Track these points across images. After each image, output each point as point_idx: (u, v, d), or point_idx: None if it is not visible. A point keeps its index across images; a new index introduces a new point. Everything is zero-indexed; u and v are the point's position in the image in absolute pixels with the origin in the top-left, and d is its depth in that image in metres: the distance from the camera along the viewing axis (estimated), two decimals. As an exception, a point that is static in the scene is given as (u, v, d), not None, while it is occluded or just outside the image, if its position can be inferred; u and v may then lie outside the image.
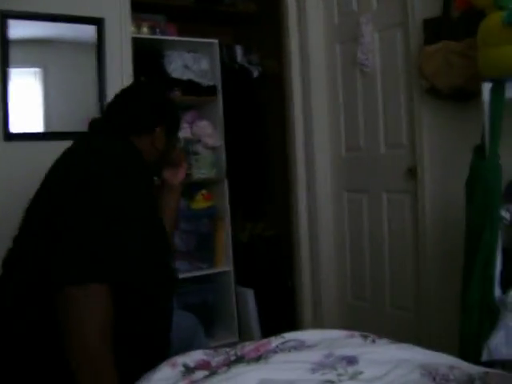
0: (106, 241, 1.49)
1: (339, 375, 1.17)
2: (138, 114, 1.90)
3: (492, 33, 2.09)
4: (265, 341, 1.37)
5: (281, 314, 3.99)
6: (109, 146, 1.74)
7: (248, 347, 1.33)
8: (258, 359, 1.23)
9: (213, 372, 1.20)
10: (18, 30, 3.05)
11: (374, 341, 1.37)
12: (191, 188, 3.80)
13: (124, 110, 1.91)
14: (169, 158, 2.04)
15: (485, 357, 2.02)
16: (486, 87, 2.16)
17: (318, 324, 3.80)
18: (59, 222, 1.54)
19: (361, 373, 1.17)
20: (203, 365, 1.27)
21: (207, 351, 1.34)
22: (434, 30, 2.80)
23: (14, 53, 3.04)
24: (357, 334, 1.40)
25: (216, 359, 1.28)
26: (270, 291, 4.09)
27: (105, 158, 1.66)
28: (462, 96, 2.74)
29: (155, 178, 2.03)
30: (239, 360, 1.26)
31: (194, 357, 1.31)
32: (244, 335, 3.83)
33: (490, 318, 2.13)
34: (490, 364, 1.97)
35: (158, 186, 2.11)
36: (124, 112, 1.90)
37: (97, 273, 1.45)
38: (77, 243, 1.48)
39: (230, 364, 1.24)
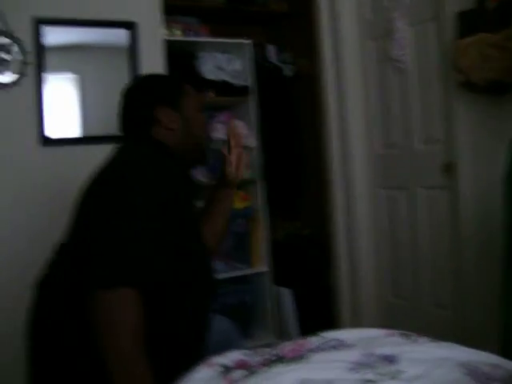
0: (134, 246, 1.52)
1: (380, 374, 1.15)
2: (132, 109, 1.86)
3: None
4: (303, 340, 1.37)
5: (319, 314, 3.98)
6: (132, 155, 1.73)
7: (287, 347, 1.32)
8: (297, 359, 1.22)
9: (252, 371, 1.20)
10: (53, 36, 3.10)
11: (413, 339, 1.35)
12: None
13: (122, 110, 1.89)
14: (199, 128, 1.89)
15: (528, 354, 1.98)
16: (523, 79, 2.12)
17: (357, 323, 3.78)
18: (91, 231, 1.58)
19: (402, 372, 1.16)
20: (242, 364, 1.27)
21: (245, 351, 1.34)
22: (468, 23, 2.77)
23: (49, 59, 3.09)
24: (396, 332, 1.38)
25: (255, 359, 1.28)
26: (308, 290, 4.08)
27: (128, 169, 1.65)
28: (499, 89, 2.70)
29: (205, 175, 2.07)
30: (279, 360, 1.26)
31: (232, 357, 1.31)
32: (282, 335, 3.82)
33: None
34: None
35: (215, 185, 2.13)
36: (123, 113, 1.88)
37: (127, 277, 1.48)
38: (107, 250, 1.51)
39: (269, 364, 1.23)
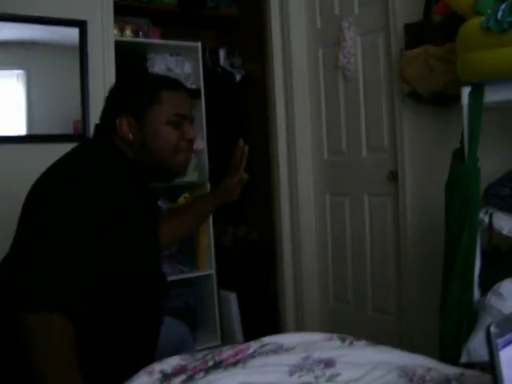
0: (62, 266, 1.42)
1: (317, 377, 1.17)
2: (102, 112, 1.77)
3: (471, 38, 2.11)
4: (244, 345, 1.38)
5: (263, 318, 4.00)
6: (77, 156, 1.64)
7: (226, 352, 1.33)
8: (236, 364, 1.23)
9: (190, 377, 1.20)
10: (1, 32, 3.04)
11: (351, 343, 1.38)
12: (174, 191, 3.79)
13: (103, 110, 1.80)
14: (161, 145, 1.68)
15: (464, 358, 2.03)
16: (465, 91, 2.17)
17: (301, 327, 3.81)
18: (21, 245, 1.52)
19: (338, 375, 1.18)
20: (180, 369, 1.27)
21: (183, 356, 1.34)
22: (415, 35, 2.82)
23: (-4, 54, 3.04)
24: (335, 336, 1.40)
25: (194, 364, 1.28)
26: (253, 294, 4.10)
27: (66, 176, 1.55)
28: (443, 100, 2.76)
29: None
30: (218, 365, 1.27)
31: (171, 363, 1.31)
32: (226, 339, 3.83)
33: (468, 319, 2.15)
34: (470, 365, 1.99)
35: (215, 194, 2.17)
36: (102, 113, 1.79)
37: (50, 301, 1.39)
38: (32, 268, 1.43)
39: (208, 369, 1.24)
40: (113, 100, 1.76)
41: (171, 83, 1.75)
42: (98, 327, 1.53)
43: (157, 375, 1.28)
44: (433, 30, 2.73)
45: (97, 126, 1.78)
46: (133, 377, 1.29)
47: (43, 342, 1.39)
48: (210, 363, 1.27)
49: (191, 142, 1.75)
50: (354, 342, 1.37)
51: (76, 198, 1.48)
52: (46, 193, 1.54)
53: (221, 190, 2.18)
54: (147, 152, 1.68)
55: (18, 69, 3.20)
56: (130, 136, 1.67)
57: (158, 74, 1.92)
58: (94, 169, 1.56)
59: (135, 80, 1.80)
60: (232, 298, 3.96)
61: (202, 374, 1.20)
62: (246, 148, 2.11)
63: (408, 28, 2.89)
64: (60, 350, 1.40)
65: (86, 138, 1.84)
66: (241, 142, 2.08)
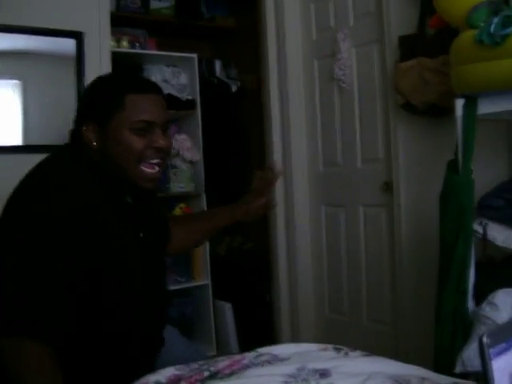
0: (25, 291, 1.40)
1: (312, 387, 1.18)
2: (74, 118, 1.66)
3: (464, 50, 2.13)
4: (239, 356, 1.38)
5: (259, 328, 4.00)
6: (44, 165, 1.61)
7: (222, 363, 1.33)
8: (230, 375, 1.24)
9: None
10: (-2, 41, 3.06)
11: (346, 353, 1.39)
12: (169, 202, 3.80)
13: None
14: (123, 153, 1.56)
15: (458, 368, 2.04)
16: (459, 103, 2.19)
17: (296, 337, 3.81)
18: None
19: (333, 385, 1.19)
20: (175, 380, 1.27)
21: (178, 367, 1.33)
22: (409, 47, 2.85)
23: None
24: (330, 347, 1.41)
25: (188, 374, 1.29)
26: (248, 305, 4.10)
27: (32, 182, 1.56)
28: (437, 112, 2.78)
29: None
30: (213, 376, 1.27)
31: (166, 373, 1.30)
32: (222, 349, 3.83)
33: (463, 330, 2.16)
34: (464, 376, 2.00)
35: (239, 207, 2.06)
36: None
37: (20, 328, 1.38)
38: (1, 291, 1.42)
39: (203, 380, 1.24)
40: (80, 105, 1.66)
41: (137, 86, 1.59)
42: (86, 342, 1.51)
43: (151, 387, 1.28)
44: (427, 43, 2.76)
45: (70, 132, 1.67)
46: None
47: (20, 367, 1.38)
48: (206, 374, 1.27)
49: (160, 150, 1.59)
50: (349, 353, 1.37)
51: (37, 216, 1.45)
52: (9, 210, 1.51)
53: (242, 209, 2.05)
54: (111, 161, 1.56)
55: (14, 79, 3.21)
56: (94, 144, 1.56)
57: (126, 76, 1.71)
58: (54, 183, 1.52)
59: (101, 84, 1.65)
60: (227, 308, 3.96)
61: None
62: (280, 170, 1.92)
63: (402, 40, 2.92)
64: (38, 373, 1.38)
65: (59, 146, 1.72)
66: (275, 163, 1.97)
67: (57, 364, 1.41)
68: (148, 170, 1.58)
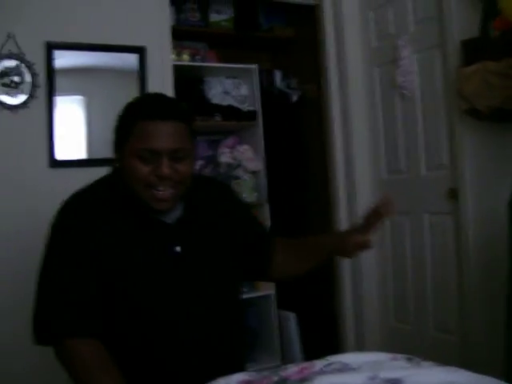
0: (58, 297, 1.55)
1: (384, 398, 1.16)
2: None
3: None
4: (308, 363, 1.37)
5: (323, 338, 3.97)
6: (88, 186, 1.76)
7: (291, 369, 1.33)
8: (301, 381, 1.23)
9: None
10: (62, 59, 3.14)
11: (418, 363, 1.36)
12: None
13: None
14: (130, 178, 1.61)
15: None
16: (527, 107, 2.15)
17: (361, 347, 3.77)
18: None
19: (406, 395, 1.17)
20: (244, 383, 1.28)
21: (249, 373, 1.34)
22: (472, 51, 2.81)
23: (59, 81, 3.13)
24: (401, 356, 1.39)
25: (259, 380, 1.29)
26: (312, 314, 4.08)
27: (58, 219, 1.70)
28: (503, 116, 2.73)
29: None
30: (283, 381, 1.27)
31: (236, 378, 1.31)
32: (286, 359, 3.82)
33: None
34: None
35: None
36: None
37: (60, 333, 1.53)
38: (36, 305, 1.58)
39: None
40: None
41: (147, 113, 1.59)
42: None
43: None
44: (491, 46, 2.71)
45: None
46: None
47: (72, 367, 1.51)
48: (275, 378, 1.27)
49: (164, 178, 1.58)
50: (421, 362, 1.35)
51: (59, 241, 1.62)
52: (49, 230, 1.67)
53: (341, 242, 1.88)
54: (127, 185, 1.63)
55: (77, 95, 3.29)
56: (117, 165, 1.68)
57: (143, 102, 1.72)
58: (74, 205, 1.69)
59: (122, 110, 1.69)
60: (292, 318, 3.95)
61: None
62: (392, 208, 1.76)
63: (465, 44, 2.88)
64: (89, 369, 1.48)
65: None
66: (386, 197, 1.81)
67: (109, 356, 1.52)
68: (156, 195, 1.60)
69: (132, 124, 1.58)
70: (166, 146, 1.57)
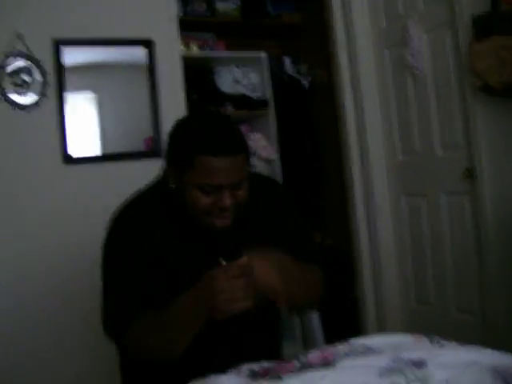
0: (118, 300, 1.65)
1: (408, 379, 1.16)
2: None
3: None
4: (331, 347, 1.37)
5: (345, 324, 3.96)
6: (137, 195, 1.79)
7: (313, 354, 1.33)
8: (325, 365, 1.23)
9: (278, 377, 1.20)
10: (71, 56, 3.15)
11: (441, 344, 1.35)
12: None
13: None
14: (191, 205, 1.62)
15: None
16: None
17: (382, 331, 3.76)
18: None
19: (430, 377, 1.16)
20: (270, 371, 1.28)
21: (272, 361, 1.35)
22: (483, 27, 2.77)
23: (69, 78, 3.14)
24: (423, 337, 1.38)
25: (283, 366, 1.29)
26: (333, 300, 4.07)
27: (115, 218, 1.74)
28: (517, 92, 2.70)
29: None
30: (304, 366, 1.26)
31: (260, 364, 1.32)
32: (308, 345, 3.80)
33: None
34: None
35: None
36: None
37: (122, 324, 1.61)
38: (103, 307, 1.68)
39: (297, 371, 1.24)
40: (167, 146, 1.69)
41: (208, 148, 1.55)
42: None
43: (245, 373, 1.30)
44: (502, 20, 2.67)
45: (162, 166, 1.76)
46: (220, 375, 1.30)
47: (146, 343, 1.59)
48: (297, 365, 1.27)
49: (226, 209, 1.60)
50: (445, 343, 1.34)
51: (116, 248, 1.70)
52: (104, 241, 1.73)
53: None
54: (184, 206, 1.63)
55: (89, 91, 3.31)
56: (173, 186, 1.65)
57: (201, 133, 1.59)
58: (126, 219, 1.73)
59: (178, 137, 1.64)
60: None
61: (291, 374, 1.21)
62: None
63: (476, 20, 2.84)
64: (156, 334, 1.57)
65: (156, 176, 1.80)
66: None
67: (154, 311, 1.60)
68: (216, 222, 1.63)
69: (193, 157, 1.55)
70: (229, 181, 1.57)
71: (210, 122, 1.63)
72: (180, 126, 1.66)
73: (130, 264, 1.65)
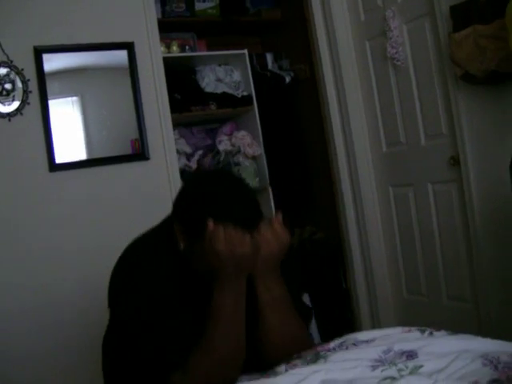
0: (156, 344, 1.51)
1: (400, 370, 1.17)
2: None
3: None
4: (324, 345, 1.38)
5: (337, 316, 3.98)
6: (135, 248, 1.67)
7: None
8: (315, 360, 1.24)
9: (273, 374, 1.22)
10: (52, 62, 3.13)
11: (431, 333, 1.36)
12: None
13: None
14: (196, 262, 1.55)
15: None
16: (521, 67, 2.13)
17: (375, 322, 3.79)
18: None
19: (421, 366, 1.17)
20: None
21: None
22: (462, 16, 2.78)
23: (51, 84, 3.12)
24: (413, 328, 1.39)
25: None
26: (325, 293, 4.08)
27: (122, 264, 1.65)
28: (498, 79, 2.71)
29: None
30: (297, 359, 1.27)
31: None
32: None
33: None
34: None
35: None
36: None
37: (171, 365, 1.49)
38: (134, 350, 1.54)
39: (288, 364, 1.25)
40: (174, 202, 1.62)
41: (220, 214, 1.48)
42: None
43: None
44: (480, 9, 2.68)
45: (168, 216, 1.69)
46: None
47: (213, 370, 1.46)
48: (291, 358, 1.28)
49: None
50: (434, 333, 1.35)
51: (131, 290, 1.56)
52: (115, 283, 1.63)
53: None
54: (193, 264, 1.56)
55: (72, 95, 3.29)
56: (181, 245, 1.56)
57: (215, 200, 1.53)
58: (141, 268, 1.59)
59: (190, 202, 1.56)
60: (304, 298, 3.95)
61: (283, 368, 1.22)
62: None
63: (454, 10, 2.85)
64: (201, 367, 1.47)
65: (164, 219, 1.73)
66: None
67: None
68: None
69: (203, 221, 1.47)
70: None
71: (229, 192, 1.55)
72: (188, 192, 1.61)
73: (165, 305, 1.53)
